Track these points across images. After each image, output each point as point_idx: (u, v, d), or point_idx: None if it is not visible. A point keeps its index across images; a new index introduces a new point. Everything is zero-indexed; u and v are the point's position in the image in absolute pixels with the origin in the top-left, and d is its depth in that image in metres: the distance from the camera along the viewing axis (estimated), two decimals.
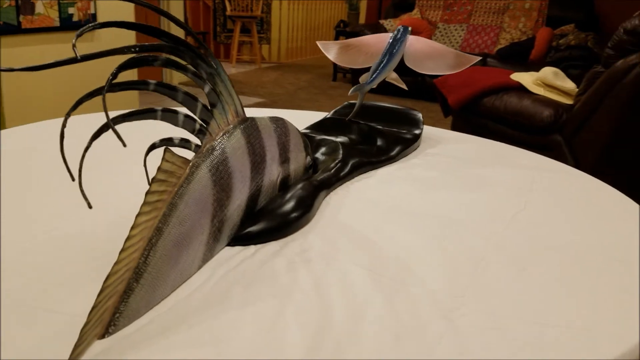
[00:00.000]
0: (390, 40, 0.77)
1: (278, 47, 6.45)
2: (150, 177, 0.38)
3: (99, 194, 0.56)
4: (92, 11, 2.56)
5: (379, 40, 0.80)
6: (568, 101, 2.05)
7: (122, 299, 0.35)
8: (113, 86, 0.34)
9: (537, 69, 2.45)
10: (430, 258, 0.47)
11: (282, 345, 0.34)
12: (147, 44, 0.36)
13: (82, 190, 0.32)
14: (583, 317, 0.39)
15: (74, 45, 0.28)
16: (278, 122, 0.54)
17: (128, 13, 2.80)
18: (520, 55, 4.19)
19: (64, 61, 0.29)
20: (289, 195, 0.54)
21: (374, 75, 0.76)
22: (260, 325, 0.36)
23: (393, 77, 0.79)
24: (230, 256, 0.45)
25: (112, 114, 0.34)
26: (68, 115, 0.31)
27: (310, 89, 4.83)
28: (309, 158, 0.62)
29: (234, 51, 5.81)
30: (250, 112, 0.68)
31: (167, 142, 0.41)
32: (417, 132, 0.81)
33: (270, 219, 0.50)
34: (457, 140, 0.87)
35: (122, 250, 0.35)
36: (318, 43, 0.84)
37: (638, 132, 1.69)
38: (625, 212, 0.60)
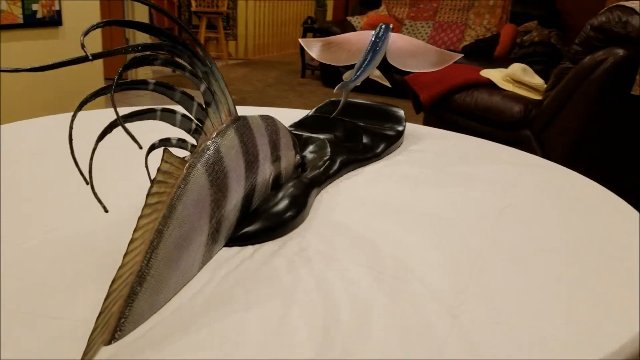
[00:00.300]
0: (373, 38, 0.78)
1: (245, 44, 6.40)
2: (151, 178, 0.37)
3: (99, 194, 0.55)
4: (56, 8, 2.48)
5: (361, 38, 0.80)
6: (537, 97, 2.09)
7: (127, 304, 0.34)
8: (115, 86, 0.33)
9: (502, 66, 2.49)
10: (427, 255, 0.47)
11: (291, 346, 0.34)
12: (149, 43, 0.35)
13: (95, 194, 0.32)
14: (582, 309, 0.40)
15: (82, 45, 0.27)
16: (268, 120, 0.54)
17: (93, 10, 2.73)
18: (485, 52, 4.26)
19: (73, 60, 0.29)
20: (281, 194, 0.54)
21: (358, 73, 0.76)
22: (267, 326, 0.36)
23: (376, 74, 0.80)
24: (229, 257, 0.45)
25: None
26: (74, 116, 0.30)
27: (279, 85, 4.81)
28: (298, 156, 0.62)
29: None
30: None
31: (165, 142, 0.40)
32: (400, 129, 0.82)
33: (265, 218, 0.50)
34: (437, 136, 0.88)
35: (126, 254, 0.34)
36: (300, 40, 0.84)
37: (606, 128, 1.74)
38: (606, 203, 0.62)
